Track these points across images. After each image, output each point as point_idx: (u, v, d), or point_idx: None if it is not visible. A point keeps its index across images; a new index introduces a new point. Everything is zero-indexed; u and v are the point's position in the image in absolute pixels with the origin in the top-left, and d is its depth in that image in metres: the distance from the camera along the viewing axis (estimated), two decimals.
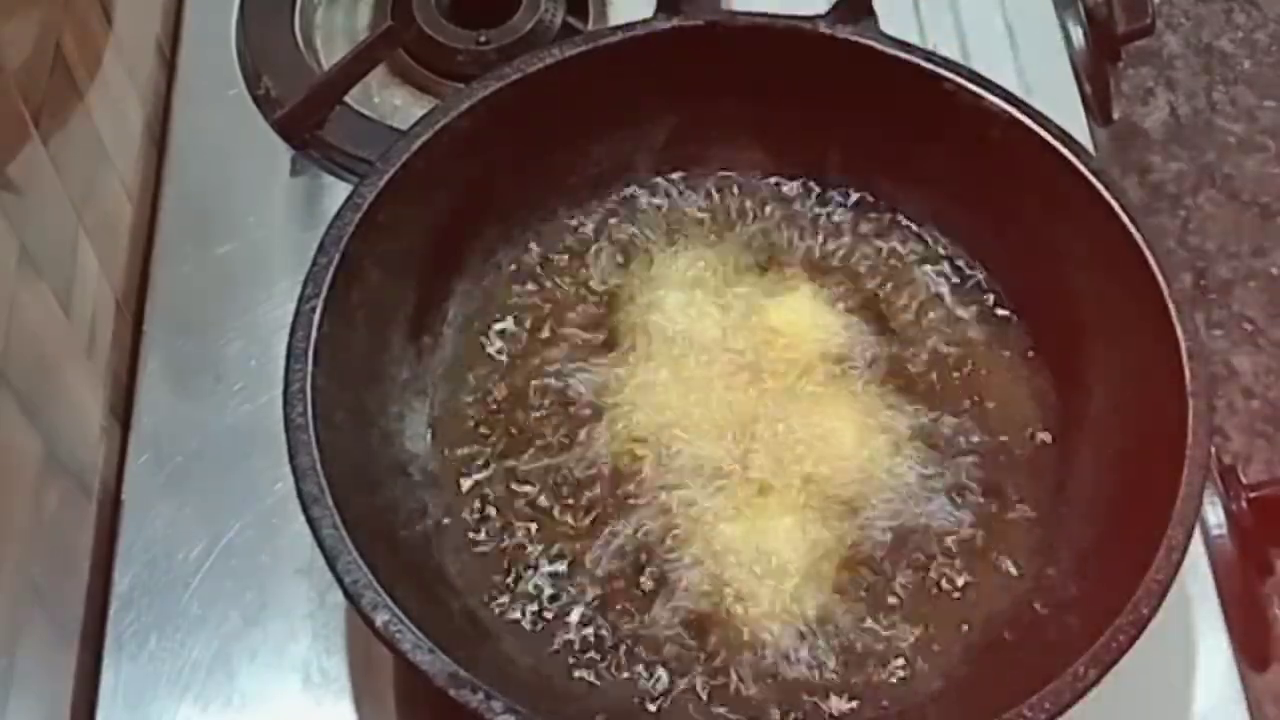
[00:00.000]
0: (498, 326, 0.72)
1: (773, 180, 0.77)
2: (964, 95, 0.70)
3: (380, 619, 0.56)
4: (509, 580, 0.65)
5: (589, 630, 0.64)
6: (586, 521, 0.66)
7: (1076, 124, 0.85)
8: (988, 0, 0.92)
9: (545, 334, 0.72)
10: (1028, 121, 0.69)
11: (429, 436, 0.69)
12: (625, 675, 0.63)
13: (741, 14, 0.75)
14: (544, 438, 0.69)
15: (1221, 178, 1.80)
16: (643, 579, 0.65)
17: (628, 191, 0.76)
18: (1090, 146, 0.80)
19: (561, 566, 0.65)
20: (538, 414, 0.69)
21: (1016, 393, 0.70)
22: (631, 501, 0.67)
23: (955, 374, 0.71)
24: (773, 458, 0.68)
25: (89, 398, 0.73)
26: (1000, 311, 0.73)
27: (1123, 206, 0.67)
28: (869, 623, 0.64)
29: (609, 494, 0.67)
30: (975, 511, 0.67)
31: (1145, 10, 0.93)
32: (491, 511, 0.67)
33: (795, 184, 0.76)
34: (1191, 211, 1.78)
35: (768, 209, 0.76)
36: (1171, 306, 0.64)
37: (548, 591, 0.65)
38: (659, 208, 0.76)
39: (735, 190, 0.77)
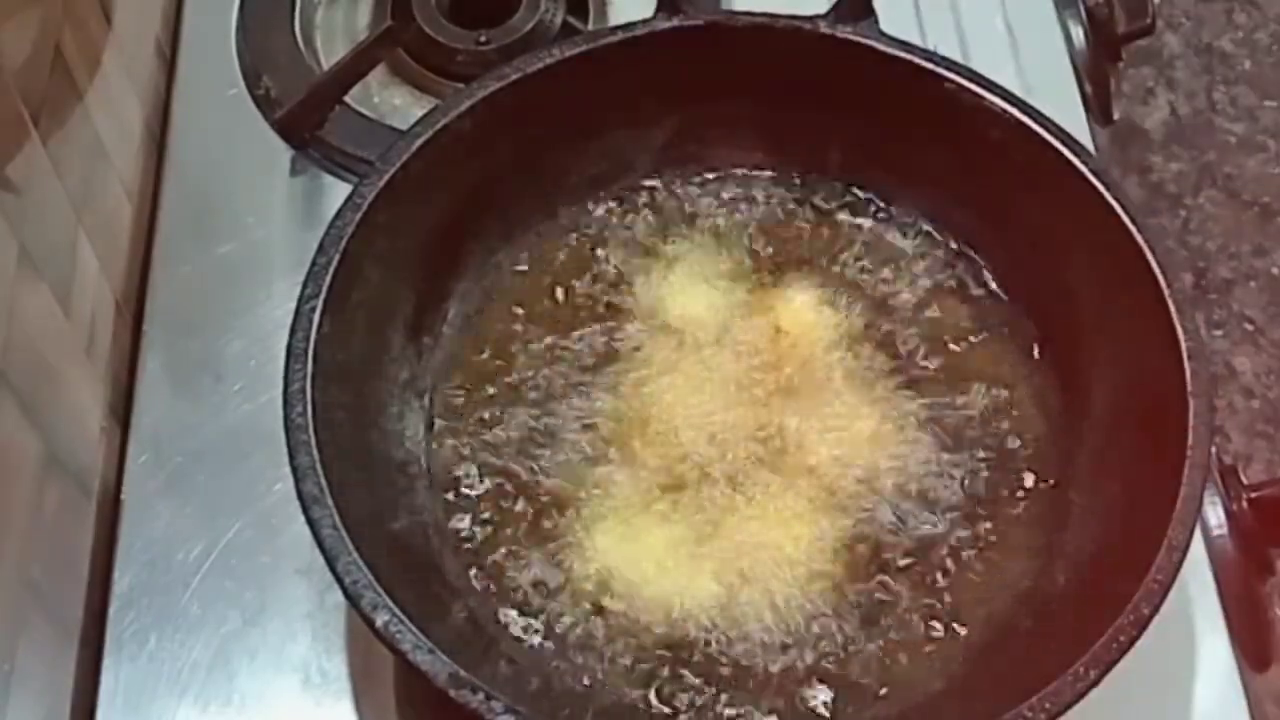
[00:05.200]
0: (498, 327, 0.72)
1: (774, 179, 0.77)
2: (964, 95, 0.70)
3: (380, 619, 0.56)
4: (509, 580, 0.65)
5: (589, 629, 0.64)
6: (589, 520, 0.66)
7: (1077, 124, 0.85)
8: (988, 0, 0.92)
9: (546, 334, 0.72)
10: (1028, 121, 0.69)
11: (428, 436, 0.69)
12: (625, 673, 0.63)
13: (741, 14, 0.75)
14: (545, 438, 0.69)
15: (1222, 177, 1.80)
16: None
17: (628, 191, 0.76)
18: (1091, 146, 0.80)
19: (562, 566, 0.65)
20: (538, 414, 0.69)
21: (1018, 392, 0.70)
22: (635, 500, 0.67)
23: (957, 372, 0.71)
24: (778, 454, 0.68)
25: (89, 398, 0.73)
26: (1002, 310, 0.73)
27: (1123, 206, 0.67)
28: (869, 621, 0.64)
29: (612, 492, 0.67)
30: (977, 510, 0.67)
31: (1146, 10, 0.93)
32: (492, 512, 0.67)
33: (796, 183, 0.76)
34: (1192, 211, 1.78)
35: (769, 208, 0.76)
36: (1172, 306, 0.64)
37: (548, 590, 0.65)
38: (660, 208, 0.76)
39: (736, 189, 0.77)
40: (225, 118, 0.86)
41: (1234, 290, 1.72)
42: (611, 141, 0.75)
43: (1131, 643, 0.56)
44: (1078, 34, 0.92)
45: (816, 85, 0.73)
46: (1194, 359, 0.63)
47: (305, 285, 0.63)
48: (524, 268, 0.74)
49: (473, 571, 0.65)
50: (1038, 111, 0.70)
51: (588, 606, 0.64)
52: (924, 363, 0.71)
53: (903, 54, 0.71)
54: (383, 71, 0.88)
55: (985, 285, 0.73)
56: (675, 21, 0.72)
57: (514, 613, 0.64)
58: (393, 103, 0.88)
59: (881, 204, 0.76)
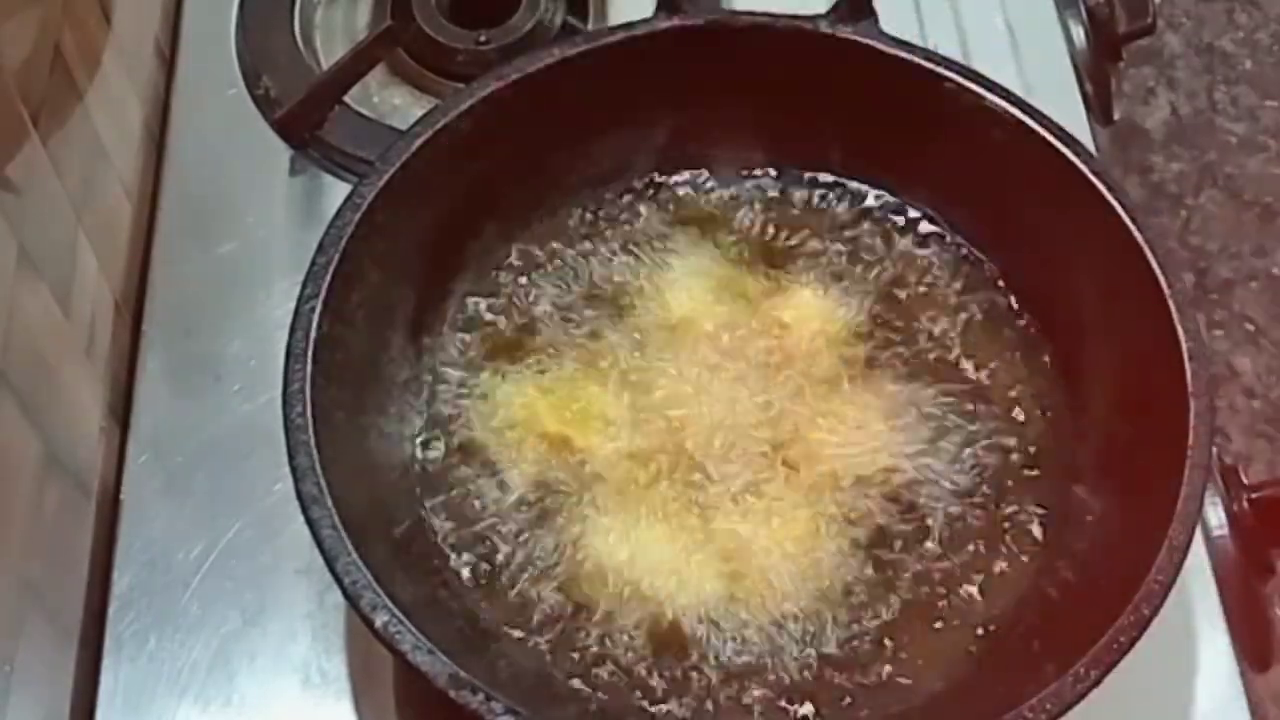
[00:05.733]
0: (498, 327, 0.72)
1: (774, 179, 0.76)
2: (965, 95, 0.70)
3: (379, 620, 0.56)
4: (509, 579, 0.65)
5: (589, 628, 0.64)
6: (590, 519, 0.66)
7: (1078, 124, 0.85)
8: (988, 0, 0.92)
9: (547, 334, 0.72)
10: (1029, 121, 0.69)
11: (428, 436, 0.69)
12: (624, 672, 0.63)
13: (742, 13, 0.74)
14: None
15: (1223, 178, 1.80)
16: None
17: (628, 191, 0.76)
18: (1091, 146, 0.80)
19: (562, 565, 0.65)
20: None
21: (1019, 391, 0.70)
22: (636, 498, 0.67)
23: (958, 371, 0.71)
24: (780, 452, 0.68)
25: (88, 398, 0.73)
26: (1002, 309, 0.73)
27: (1124, 206, 0.67)
28: (871, 621, 0.64)
29: (613, 491, 0.67)
30: (979, 509, 0.67)
31: (1146, 10, 0.93)
32: (492, 511, 0.67)
33: (797, 182, 0.76)
34: (1193, 211, 1.78)
35: (770, 207, 0.76)
36: (1173, 306, 0.64)
37: (548, 590, 0.65)
38: (660, 207, 0.76)
39: (737, 189, 0.76)
40: (225, 118, 0.86)
41: (1235, 290, 1.72)
42: (611, 141, 0.75)
43: (1132, 643, 0.56)
44: (1078, 34, 0.92)
45: (816, 85, 0.73)
46: (1194, 359, 0.63)
47: (305, 285, 0.63)
48: (524, 267, 0.74)
49: (472, 570, 0.65)
50: (1038, 111, 0.69)
51: (587, 605, 0.64)
52: (925, 362, 0.71)
53: (903, 54, 0.71)
54: (383, 71, 0.88)
55: (986, 285, 0.73)
56: (675, 21, 0.72)
57: (514, 611, 0.64)
58: (393, 103, 0.88)
59: (882, 203, 0.76)
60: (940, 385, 0.70)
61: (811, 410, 0.69)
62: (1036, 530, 0.67)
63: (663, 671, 0.63)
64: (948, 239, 0.75)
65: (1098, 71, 0.92)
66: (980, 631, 0.64)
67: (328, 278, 0.63)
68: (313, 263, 0.64)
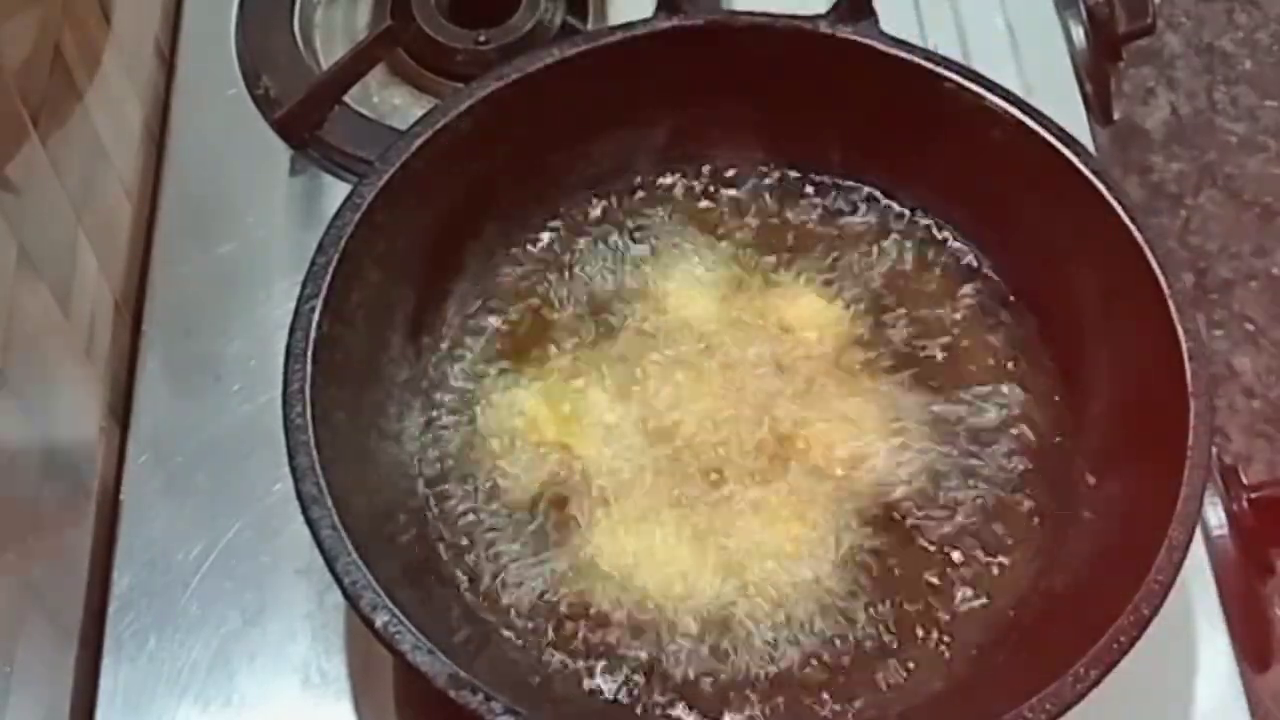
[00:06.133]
0: (498, 327, 0.72)
1: (774, 179, 0.76)
2: (965, 95, 0.70)
3: (379, 620, 0.56)
4: (509, 579, 0.65)
5: (589, 628, 0.64)
6: (590, 520, 0.66)
7: (1077, 124, 0.85)
8: (988, 0, 0.92)
9: (547, 334, 0.72)
10: (1029, 121, 0.69)
11: (428, 436, 0.69)
12: (625, 673, 0.63)
13: (742, 14, 0.75)
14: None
15: (1223, 178, 1.80)
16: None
17: (628, 191, 0.76)
18: (1091, 146, 0.80)
19: (562, 565, 0.65)
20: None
21: (1019, 391, 0.70)
22: (637, 501, 0.67)
23: (959, 371, 0.71)
24: (780, 452, 0.68)
25: (88, 398, 0.73)
26: (1003, 310, 0.73)
27: (1124, 206, 0.67)
28: (871, 621, 0.64)
29: (614, 494, 0.67)
30: (979, 510, 0.67)
31: (1146, 10, 0.93)
32: (492, 511, 0.67)
33: (797, 182, 0.76)
34: (1192, 211, 1.78)
35: (770, 207, 0.76)
36: (1172, 306, 0.64)
37: (548, 592, 0.65)
38: (660, 207, 0.76)
39: (737, 189, 0.76)
40: (225, 118, 0.86)
41: (1234, 290, 1.72)
42: (611, 141, 0.75)
43: (1132, 643, 0.56)
44: (1078, 34, 0.92)
45: (816, 85, 0.73)
46: (1194, 359, 0.63)
47: (305, 285, 0.63)
48: (524, 268, 0.74)
49: (472, 571, 0.65)
50: (1038, 111, 0.69)
51: (587, 606, 0.64)
52: (926, 363, 0.71)
53: (903, 54, 0.71)
54: (382, 71, 0.88)
55: (986, 284, 0.73)
56: (675, 21, 0.72)
57: (514, 612, 0.64)
58: (392, 103, 0.88)
59: (882, 203, 0.76)
60: (940, 385, 0.70)
61: (813, 411, 0.69)
62: (1036, 530, 0.67)
63: (663, 671, 0.63)
64: (948, 239, 0.75)
65: (1098, 71, 0.92)
66: (980, 632, 0.64)
67: (328, 278, 0.63)
68: (313, 263, 0.64)
